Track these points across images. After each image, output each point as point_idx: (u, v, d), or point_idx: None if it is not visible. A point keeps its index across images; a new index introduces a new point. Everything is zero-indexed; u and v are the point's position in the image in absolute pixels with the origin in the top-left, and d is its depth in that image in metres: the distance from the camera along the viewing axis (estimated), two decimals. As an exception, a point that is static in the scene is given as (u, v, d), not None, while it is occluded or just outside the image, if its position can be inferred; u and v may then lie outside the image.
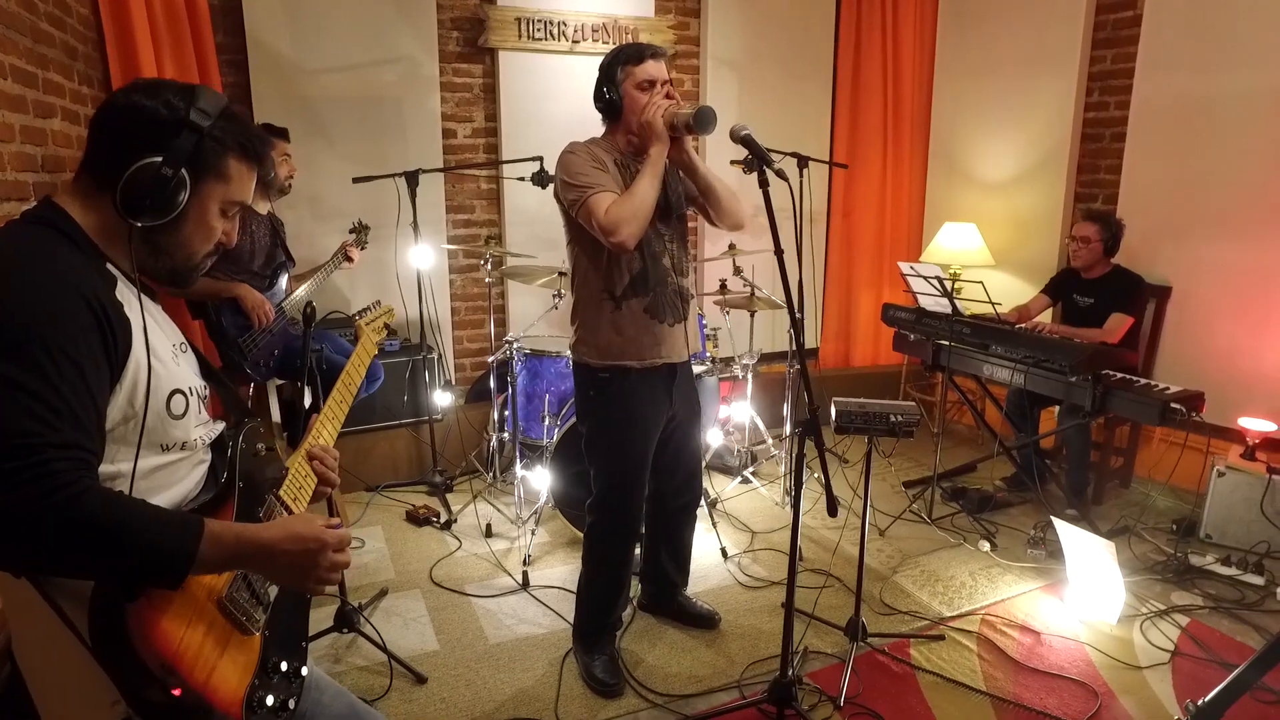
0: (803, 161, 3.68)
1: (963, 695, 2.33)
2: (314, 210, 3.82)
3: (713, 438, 3.72)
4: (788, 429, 3.67)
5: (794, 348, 1.84)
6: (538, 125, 4.07)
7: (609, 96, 2.16)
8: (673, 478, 2.51)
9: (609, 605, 2.45)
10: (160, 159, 1.02)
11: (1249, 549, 3.03)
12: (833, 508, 1.93)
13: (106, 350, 0.96)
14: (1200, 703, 1.81)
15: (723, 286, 3.67)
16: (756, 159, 1.85)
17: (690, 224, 2.63)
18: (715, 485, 3.77)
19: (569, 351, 2.36)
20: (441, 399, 3.81)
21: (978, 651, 2.55)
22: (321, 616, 2.62)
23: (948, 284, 3.25)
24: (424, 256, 3.62)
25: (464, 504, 3.58)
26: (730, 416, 4.03)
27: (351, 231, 3.50)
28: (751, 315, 3.73)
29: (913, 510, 3.53)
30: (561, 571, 3.03)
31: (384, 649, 2.46)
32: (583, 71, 3.99)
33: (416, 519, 3.45)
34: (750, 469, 3.86)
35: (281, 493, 1.22)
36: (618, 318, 2.22)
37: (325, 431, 1.39)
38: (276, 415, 3.18)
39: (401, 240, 3.71)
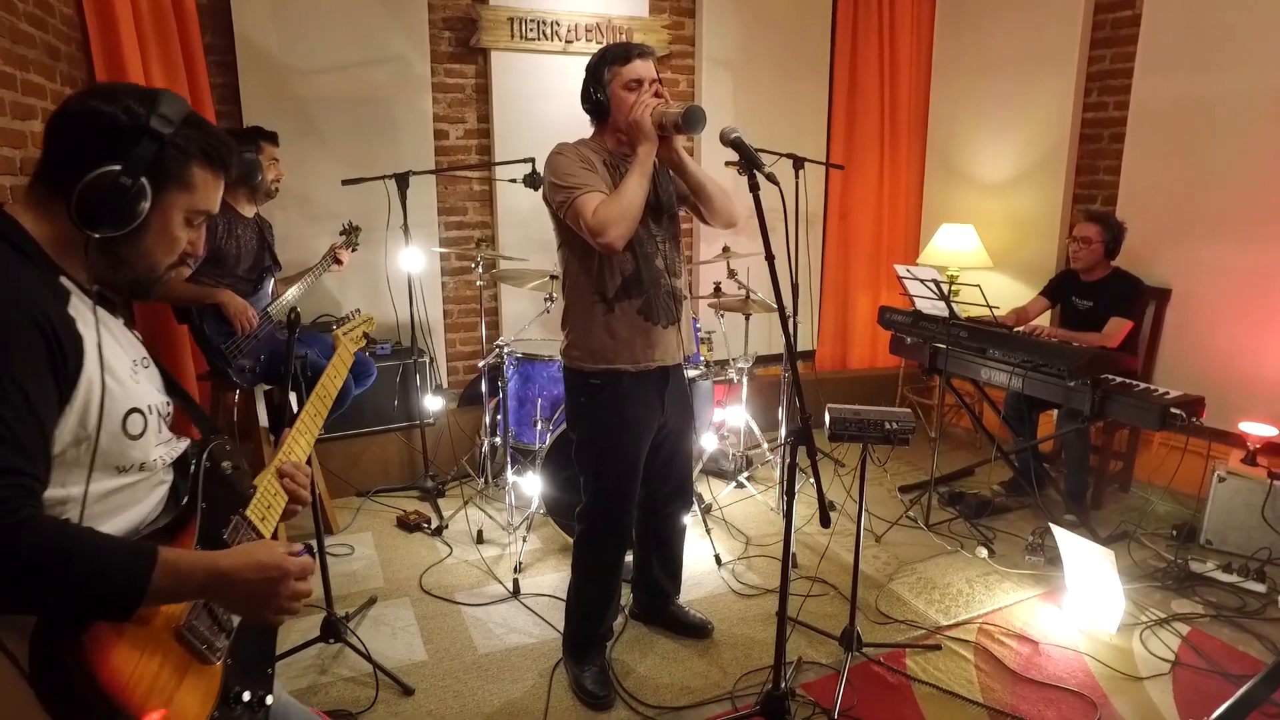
0: (798, 163, 3.65)
1: (959, 707, 2.29)
2: (304, 212, 3.77)
3: (707, 442, 3.68)
4: (783, 433, 3.63)
5: (786, 353, 1.80)
6: (530, 126, 4.02)
7: (596, 97, 2.12)
8: (664, 484, 2.47)
9: (599, 615, 2.41)
10: (119, 167, 0.97)
11: (1250, 555, 2.99)
12: (826, 519, 1.90)
13: (54, 370, 0.91)
14: (1206, 720, 1.76)
15: (717, 289, 3.63)
16: (746, 162, 1.80)
17: (685, 225, 2.60)
18: (710, 490, 3.73)
19: (560, 356, 2.32)
20: (433, 404, 3.77)
21: (975, 661, 2.50)
22: (308, 626, 2.58)
23: (945, 287, 3.21)
24: (414, 260, 3.57)
25: (455, 510, 3.54)
26: (725, 420, 3.99)
27: (342, 233, 3.45)
28: (746, 318, 3.69)
29: (909, 516, 3.49)
30: (553, 579, 2.99)
31: (370, 660, 2.41)
32: (576, 72, 3.87)
33: (407, 525, 3.41)
34: (745, 474, 3.81)
35: (249, 512, 1.17)
36: (610, 320, 2.18)
37: (298, 446, 1.35)
38: (264, 420, 3.13)
39: (392, 243, 3.68)
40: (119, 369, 1.02)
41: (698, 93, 4.46)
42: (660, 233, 2.22)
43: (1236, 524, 3.10)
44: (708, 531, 3.20)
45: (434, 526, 3.37)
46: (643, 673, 2.46)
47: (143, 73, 3.07)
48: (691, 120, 1.99)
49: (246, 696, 1.07)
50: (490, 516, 3.48)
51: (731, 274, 3.59)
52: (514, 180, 3.54)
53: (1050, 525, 2.86)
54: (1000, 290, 4.21)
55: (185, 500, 1.08)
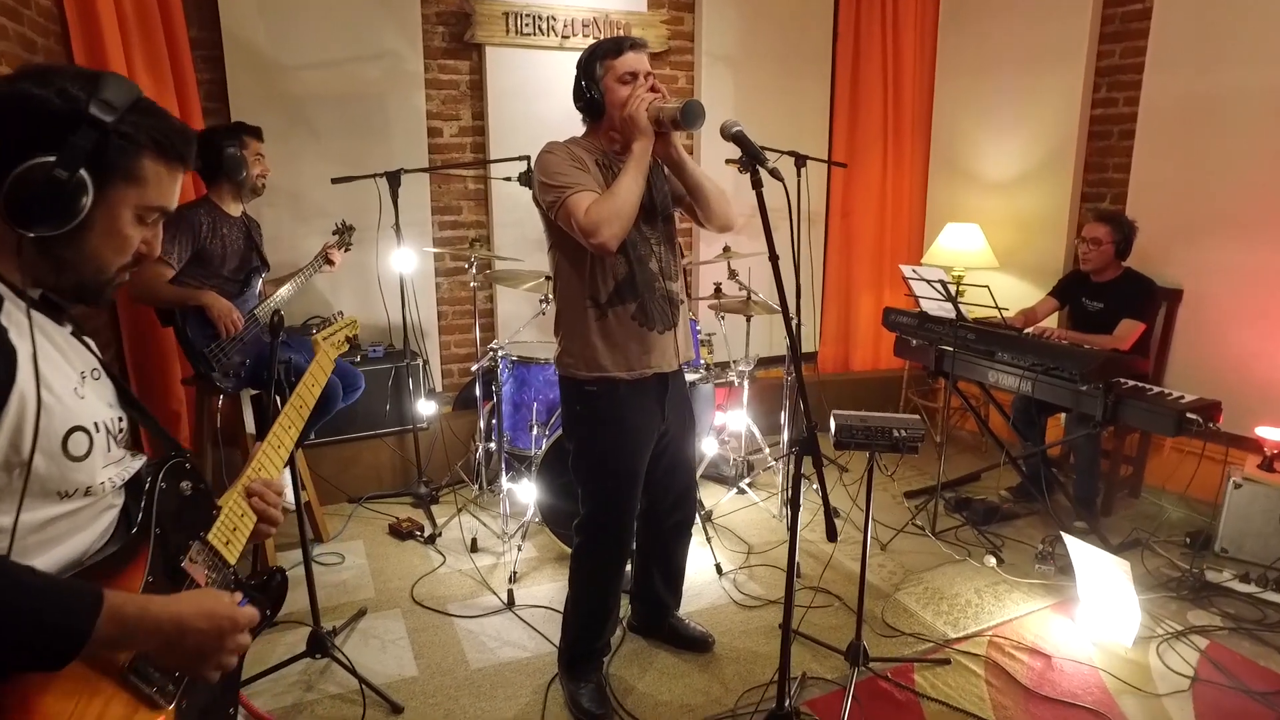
0: (800, 160, 3.56)
1: (970, 726, 2.20)
2: (295, 211, 3.68)
3: (708, 447, 3.58)
4: (785, 436, 3.53)
5: (790, 359, 1.71)
6: (526, 123, 3.93)
7: (589, 94, 2.03)
8: (666, 495, 2.38)
9: (596, 630, 2.32)
10: (53, 158, 0.88)
11: (1269, 565, 2.89)
12: (832, 533, 1.80)
13: None
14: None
15: (718, 290, 3.54)
16: (749, 157, 1.71)
17: (684, 225, 2.51)
18: (710, 497, 3.64)
19: (554, 363, 2.23)
20: (426, 408, 3.67)
21: (985, 677, 2.41)
22: (294, 639, 2.50)
23: (952, 288, 3.11)
24: (407, 260, 3.48)
25: (449, 517, 3.45)
26: (726, 425, 3.90)
27: (334, 233, 3.36)
28: (748, 320, 3.60)
29: (916, 524, 3.40)
30: (548, 589, 2.90)
31: (358, 676, 2.32)
32: (573, 68, 3.84)
33: (399, 533, 3.32)
34: (747, 480, 3.72)
35: (211, 537, 1.08)
36: (604, 326, 2.09)
37: (269, 462, 1.25)
38: (251, 427, 3.04)
39: (384, 243, 3.58)
40: (59, 383, 0.93)
41: (697, 89, 4.37)
42: (655, 234, 2.13)
43: (1253, 531, 3.01)
44: (708, 540, 3.11)
45: (427, 535, 3.28)
46: (642, 689, 2.37)
47: (125, 67, 2.98)
48: (690, 115, 1.90)
49: (205, 743, 0.98)
50: (484, 524, 3.39)
51: (732, 274, 3.49)
52: (509, 179, 3.44)
53: (1061, 534, 2.76)
54: (1007, 291, 4.11)
55: (137, 526, 0.98)
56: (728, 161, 3.48)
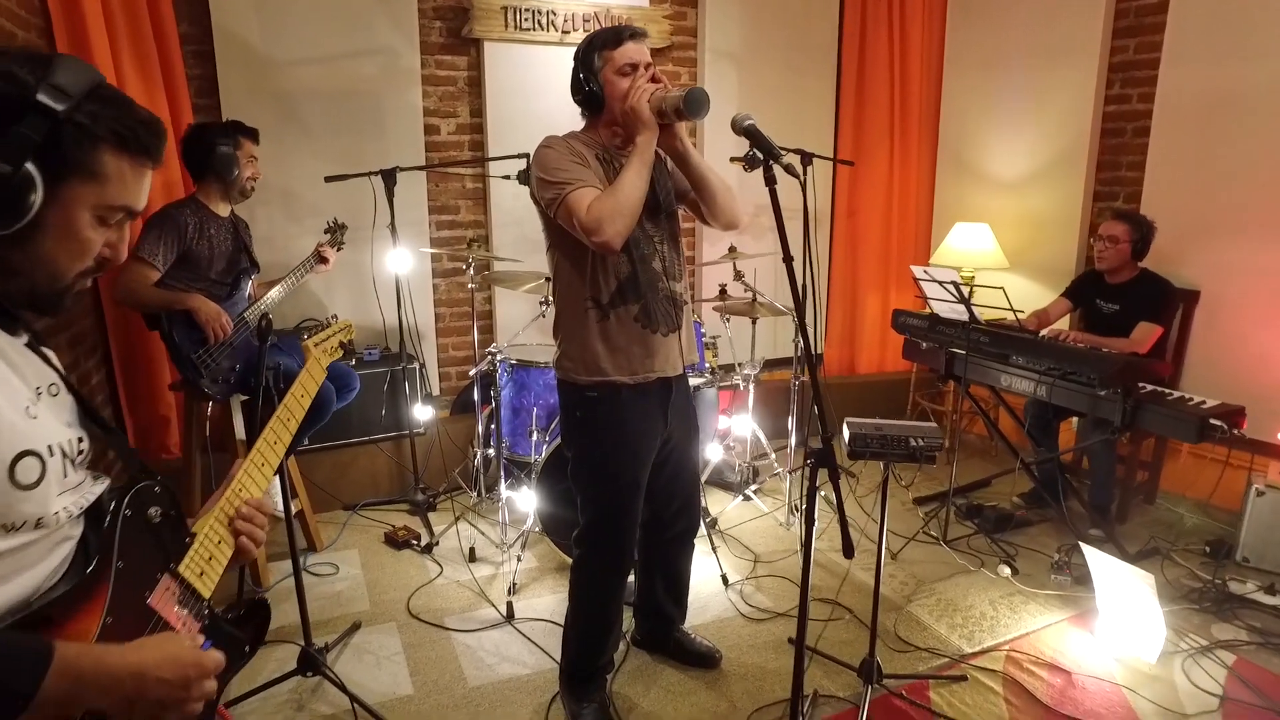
0: (806, 159, 3.46)
1: (990, 747, 2.11)
2: (287, 210, 3.58)
3: (712, 453, 3.49)
4: (792, 441, 3.44)
5: (804, 366, 1.61)
6: (525, 121, 3.83)
7: (589, 87, 1.94)
8: (669, 503, 2.29)
9: (599, 647, 2.22)
10: None
11: (1293, 575, 2.81)
12: (849, 549, 1.70)
13: None
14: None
15: (722, 292, 3.44)
16: (762, 153, 1.61)
17: (687, 224, 2.41)
18: (715, 504, 3.54)
19: (553, 367, 2.13)
20: (422, 413, 3.58)
21: (1004, 694, 2.32)
22: (285, 656, 2.40)
23: (965, 289, 3.02)
24: (402, 261, 3.39)
25: (446, 525, 3.35)
26: (730, 429, 3.80)
27: (326, 232, 3.27)
28: (753, 322, 3.50)
29: (927, 532, 3.31)
30: (549, 601, 2.80)
31: (350, 695, 2.22)
32: (572, 64, 3.76)
33: (395, 542, 3.22)
34: (754, 487, 3.62)
35: (183, 568, 0.98)
36: (606, 328, 2.00)
37: (252, 481, 1.15)
38: (241, 433, 2.94)
39: (380, 243, 3.49)
40: (6, 402, 0.83)
41: (700, 86, 4.26)
42: (658, 233, 2.04)
43: (1276, 541, 2.92)
44: (714, 549, 3.02)
45: (423, 543, 3.18)
46: (647, 708, 2.28)
47: (111, 62, 2.88)
48: (694, 104, 1.81)
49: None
50: (482, 533, 3.29)
51: (738, 275, 3.40)
52: (508, 177, 3.35)
53: (1080, 544, 2.67)
54: (1017, 292, 4.00)
55: (95, 560, 0.88)
56: (732, 159, 3.38)
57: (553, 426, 3.08)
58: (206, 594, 1.01)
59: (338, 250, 3.22)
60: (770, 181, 1.62)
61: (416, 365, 3.58)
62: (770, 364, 4.42)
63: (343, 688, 2.23)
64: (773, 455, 3.77)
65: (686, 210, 2.17)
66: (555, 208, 1.87)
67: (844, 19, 4.43)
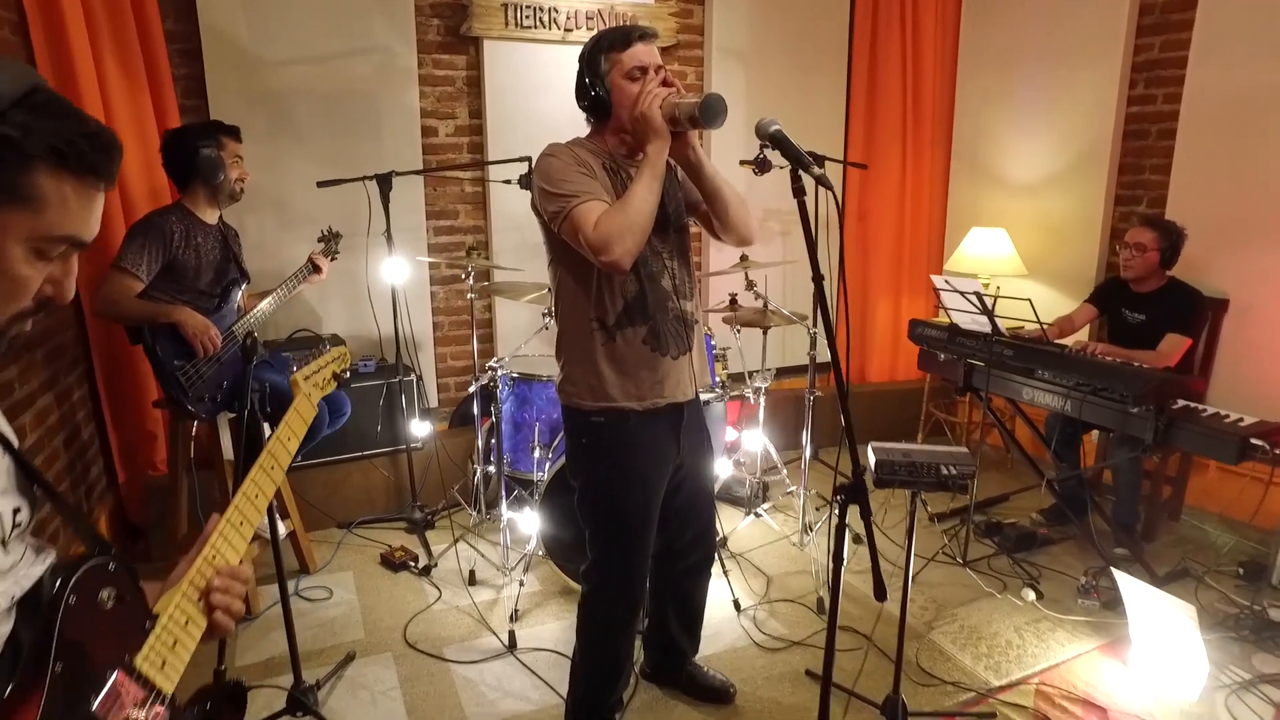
0: (818, 161, 3.33)
1: (1026, 795, 1.98)
2: (279, 216, 3.44)
3: (721, 468, 3.35)
4: (806, 455, 3.29)
5: (839, 396, 1.48)
6: (526, 122, 3.69)
7: (595, 92, 1.80)
8: (683, 532, 2.15)
9: (608, 687, 2.09)
10: None
11: (1333, 602, 2.68)
12: (881, 591, 1.57)
13: None
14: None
15: (733, 301, 3.30)
16: (792, 162, 1.48)
17: (693, 230, 2.27)
18: (725, 522, 3.40)
19: (556, 392, 2.00)
20: (420, 429, 3.43)
21: (1037, 734, 2.19)
22: (272, 694, 2.27)
23: (989, 301, 2.88)
24: (398, 270, 3.24)
25: (445, 547, 3.21)
26: (740, 441, 3.66)
27: (320, 240, 3.12)
28: (764, 332, 3.36)
29: (946, 552, 3.17)
30: (553, 629, 2.67)
31: (343, 738, 2.09)
32: (575, 64, 3.62)
33: (392, 563, 3.08)
34: (765, 505, 3.48)
35: (140, 661, 0.83)
36: (612, 350, 1.86)
37: (229, 545, 1.01)
38: (229, 452, 2.80)
39: (374, 249, 3.35)
40: None
41: (707, 86, 4.13)
42: (667, 248, 1.90)
43: (1315, 564, 2.79)
44: (725, 572, 2.88)
45: (421, 566, 3.05)
46: (658, 750, 2.15)
47: (92, 61, 2.74)
48: (710, 112, 1.67)
49: None
50: (482, 555, 3.15)
51: (750, 285, 3.26)
52: (509, 181, 3.21)
53: (1111, 569, 2.53)
54: (1036, 299, 3.87)
55: (25, 660, 0.74)
56: (742, 163, 3.24)
57: (556, 443, 2.95)
58: (169, 689, 0.86)
59: (332, 260, 3.08)
60: (799, 194, 1.48)
61: (413, 377, 3.44)
62: (782, 371, 4.29)
63: (335, 730, 2.10)
64: (784, 471, 3.64)
65: (694, 221, 2.04)
66: (560, 222, 1.73)
67: (855, 16, 4.28)
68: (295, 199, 3.41)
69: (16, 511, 0.80)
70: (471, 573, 2.98)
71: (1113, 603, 2.72)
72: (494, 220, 3.81)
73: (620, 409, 1.88)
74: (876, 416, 4.34)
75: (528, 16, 3.62)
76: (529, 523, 2.92)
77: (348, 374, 1.52)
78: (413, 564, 3.06)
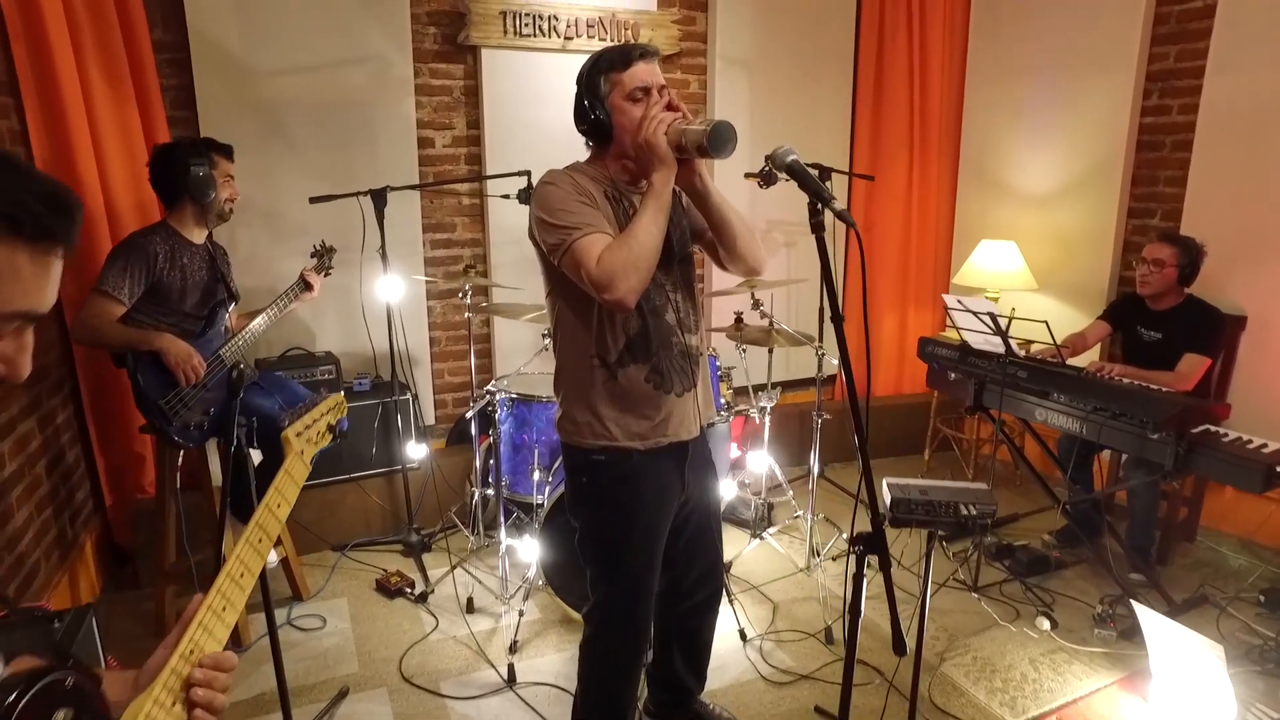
0: (824, 174, 3.25)
1: None
2: (271, 231, 3.35)
3: (724, 489, 3.26)
4: (813, 475, 3.20)
5: (858, 442, 1.39)
6: (525, 132, 3.60)
7: (595, 115, 1.70)
8: (690, 570, 2.06)
9: (610, 731, 2.00)
10: None
11: (1359, 633, 2.59)
12: (900, 645, 1.49)
13: None
14: None
15: (738, 321, 3.21)
16: (811, 195, 1.39)
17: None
18: (729, 546, 3.29)
19: (556, 428, 1.90)
20: (416, 451, 3.34)
21: (1058, 779, 2.10)
22: (263, 736, 2.18)
23: (1003, 322, 2.79)
24: (394, 288, 3.15)
25: (443, 573, 3.11)
26: (744, 460, 3.58)
27: (313, 255, 3.03)
28: (770, 351, 3.27)
29: (955, 577, 3.08)
30: (554, 661, 2.58)
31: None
32: (576, 72, 3.53)
33: (388, 589, 2.99)
34: (771, 529, 3.39)
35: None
36: (613, 389, 1.77)
37: (210, 635, 0.90)
38: (218, 478, 2.70)
39: (369, 264, 3.25)
40: None
41: (710, 95, 4.04)
42: (670, 280, 1.81)
43: (1340, 593, 2.70)
44: (731, 600, 2.79)
45: (418, 592, 2.95)
46: (663, 797, 2.06)
47: (76, 72, 2.65)
48: (719, 140, 1.57)
49: None
50: (480, 581, 3.06)
51: (756, 304, 3.17)
52: (507, 196, 3.12)
53: (1134, 604, 2.44)
54: (1047, 314, 3.79)
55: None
56: (747, 175, 3.15)
57: (556, 466, 2.86)
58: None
59: (325, 275, 2.99)
60: (818, 229, 1.39)
61: (409, 397, 3.35)
62: (786, 385, 4.21)
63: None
64: (790, 492, 3.55)
65: (699, 249, 1.95)
66: (560, 255, 1.64)
67: (861, 23, 4.20)
68: (288, 212, 3.32)
69: None
70: (469, 600, 2.89)
71: (1130, 631, 2.64)
72: (492, 234, 3.72)
73: (622, 448, 1.79)
74: (882, 432, 4.26)
75: (527, 24, 3.53)
76: (528, 550, 2.83)
77: (345, 426, 1.41)
78: (409, 590, 2.97)
